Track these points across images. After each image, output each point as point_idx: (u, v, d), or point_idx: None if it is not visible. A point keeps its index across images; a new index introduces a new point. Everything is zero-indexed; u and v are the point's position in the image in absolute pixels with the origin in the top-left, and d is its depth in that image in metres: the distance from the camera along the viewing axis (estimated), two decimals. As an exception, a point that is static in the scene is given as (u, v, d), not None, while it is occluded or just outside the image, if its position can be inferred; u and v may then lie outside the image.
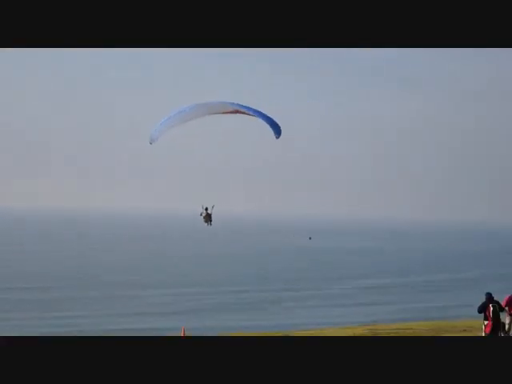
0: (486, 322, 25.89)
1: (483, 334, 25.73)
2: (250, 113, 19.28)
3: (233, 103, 19.40)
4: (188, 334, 34.73)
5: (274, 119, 19.86)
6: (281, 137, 19.96)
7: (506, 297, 27.14)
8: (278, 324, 49.91)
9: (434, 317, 50.16)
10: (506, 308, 26.73)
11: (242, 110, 19.36)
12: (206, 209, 25.52)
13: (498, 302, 26.14)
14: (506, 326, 26.61)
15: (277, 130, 19.96)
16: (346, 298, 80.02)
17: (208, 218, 25.39)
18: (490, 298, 25.98)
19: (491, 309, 25.63)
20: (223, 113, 19.61)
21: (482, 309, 25.89)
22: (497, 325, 25.62)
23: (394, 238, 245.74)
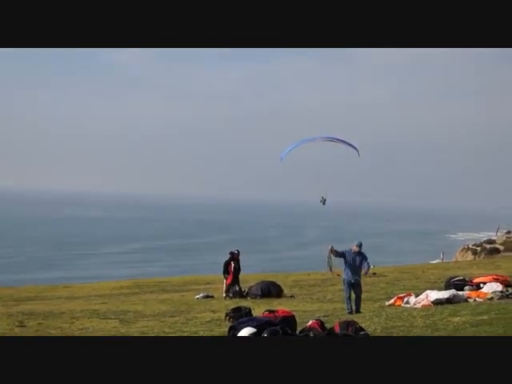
0: (227, 276, 28.47)
1: (224, 286, 28.32)
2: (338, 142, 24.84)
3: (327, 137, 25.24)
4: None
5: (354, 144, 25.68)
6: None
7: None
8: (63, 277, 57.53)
9: (188, 273, 56.86)
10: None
11: (335, 140, 25.12)
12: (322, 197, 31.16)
13: (238, 261, 29.00)
14: None
15: (357, 151, 25.83)
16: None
17: (324, 202, 30.81)
18: (232, 256, 29.00)
19: (232, 265, 28.64)
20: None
21: (226, 265, 28.82)
22: (236, 277, 28.43)
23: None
